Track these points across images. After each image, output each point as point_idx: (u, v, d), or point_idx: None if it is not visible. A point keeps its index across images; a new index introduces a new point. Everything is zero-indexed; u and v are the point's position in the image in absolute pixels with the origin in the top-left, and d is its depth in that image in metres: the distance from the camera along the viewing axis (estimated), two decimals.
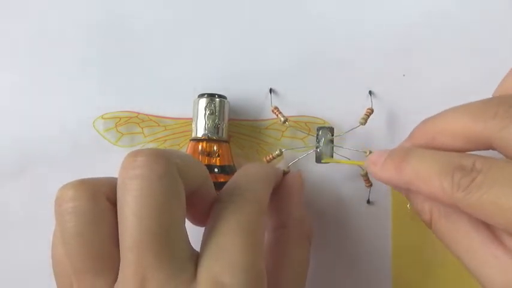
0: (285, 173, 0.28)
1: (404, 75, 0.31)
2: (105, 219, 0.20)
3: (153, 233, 0.18)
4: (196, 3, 0.31)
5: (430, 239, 0.29)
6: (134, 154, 0.20)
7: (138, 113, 0.30)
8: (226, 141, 0.29)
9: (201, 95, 0.29)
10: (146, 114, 0.30)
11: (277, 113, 0.29)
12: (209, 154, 0.28)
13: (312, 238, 0.27)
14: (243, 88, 0.31)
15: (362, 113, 0.29)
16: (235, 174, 0.25)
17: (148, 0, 0.31)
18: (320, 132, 0.28)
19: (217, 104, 0.28)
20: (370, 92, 0.30)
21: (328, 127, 0.28)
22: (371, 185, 0.30)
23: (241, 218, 0.21)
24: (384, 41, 0.31)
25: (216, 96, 0.28)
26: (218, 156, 0.28)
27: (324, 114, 0.30)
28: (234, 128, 0.30)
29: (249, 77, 0.31)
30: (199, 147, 0.28)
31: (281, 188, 0.27)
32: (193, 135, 0.28)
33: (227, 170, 0.28)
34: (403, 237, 0.30)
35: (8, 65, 0.31)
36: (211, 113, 0.28)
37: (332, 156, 0.28)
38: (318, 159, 0.28)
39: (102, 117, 0.30)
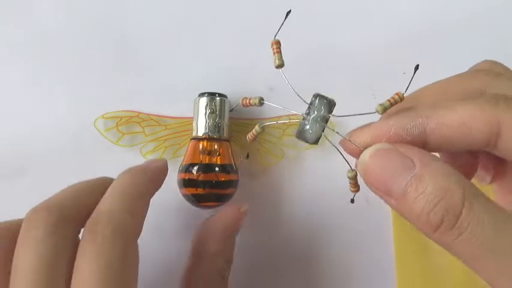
0: (256, 132, 0.21)
1: (404, 73, 0.30)
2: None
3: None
4: (197, 3, 0.31)
5: (432, 242, 0.28)
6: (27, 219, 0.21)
7: (139, 113, 0.30)
8: (227, 140, 0.29)
9: (202, 94, 0.28)
10: (147, 114, 0.30)
11: (275, 49, 0.22)
12: (210, 153, 0.28)
13: (227, 275, 0.26)
14: (243, 87, 0.30)
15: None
16: (105, 193, 0.23)
17: (149, 1, 0.31)
18: (316, 102, 0.20)
19: (217, 103, 0.28)
20: (416, 67, 0.21)
21: (329, 99, 0.20)
22: (358, 191, 0.21)
23: (100, 266, 0.20)
24: (384, 40, 0.31)
25: (217, 95, 0.28)
26: (219, 155, 0.28)
27: None
28: (235, 127, 0.30)
29: (250, 75, 0.31)
30: (200, 146, 0.28)
31: (215, 217, 0.27)
32: (194, 134, 0.28)
33: (228, 169, 0.28)
34: (405, 238, 0.30)
35: (9, 64, 0.31)
36: (212, 112, 0.28)
37: (319, 138, 0.20)
38: (299, 134, 0.20)
39: (102, 116, 0.30)
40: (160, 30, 0.31)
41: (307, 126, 0.20)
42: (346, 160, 0.20)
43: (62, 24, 0.31)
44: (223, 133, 0.28)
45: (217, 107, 0.28)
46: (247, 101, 0.21)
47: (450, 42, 0.31)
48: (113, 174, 0.24)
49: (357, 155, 0.19)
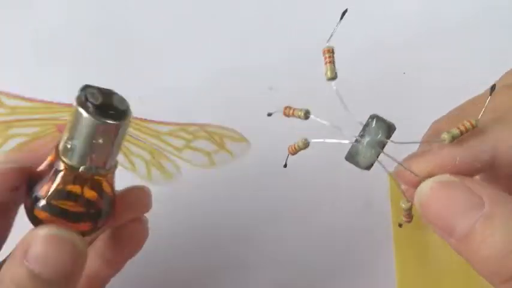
0: (298, 147, 0.19)
1: (404, 73, 0.31)
2: None
3: None
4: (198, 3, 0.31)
5: (432, 243, 0.30)
6: None
7: None
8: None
9: (85, 105, 0.18)
10: None
11: (327, 58, 0.19)
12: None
13: None
14: (243, 86, 0.30)
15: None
16: None
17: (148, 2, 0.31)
18: (373, 124, 0.18)
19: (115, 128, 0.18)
20: (492, 88, 0.17)
21: (388, 123, 0.18)
22: (410, 221, 0.20)
23: None
24: (384, 39, 0.31)
25: (115, 114, 0.18)
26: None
27: (323, 114, 0.27)
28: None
29: (250, 74, 0.31)
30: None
31: None
32: (66, 159, 0.18)
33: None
34: (405, 241, 0.30)
35: (9, 64, 0.30)
36: (106, 142, 0.18)
37: (372, 164, 0.18)
38: (350, 157, 0.19)
39: None
40: (161, 29, 0.32)
41: (361, 151, 0.18)
42: (401, 190, 0.18)
43: (62, 24, 0.32)
44: (112, 164, 0.19)
45: (113, 134, 0.18)
46: (291, 111, 0.19)
47: (451, 42, 0.32)
48: None
49: (413, 184, 0.17)
